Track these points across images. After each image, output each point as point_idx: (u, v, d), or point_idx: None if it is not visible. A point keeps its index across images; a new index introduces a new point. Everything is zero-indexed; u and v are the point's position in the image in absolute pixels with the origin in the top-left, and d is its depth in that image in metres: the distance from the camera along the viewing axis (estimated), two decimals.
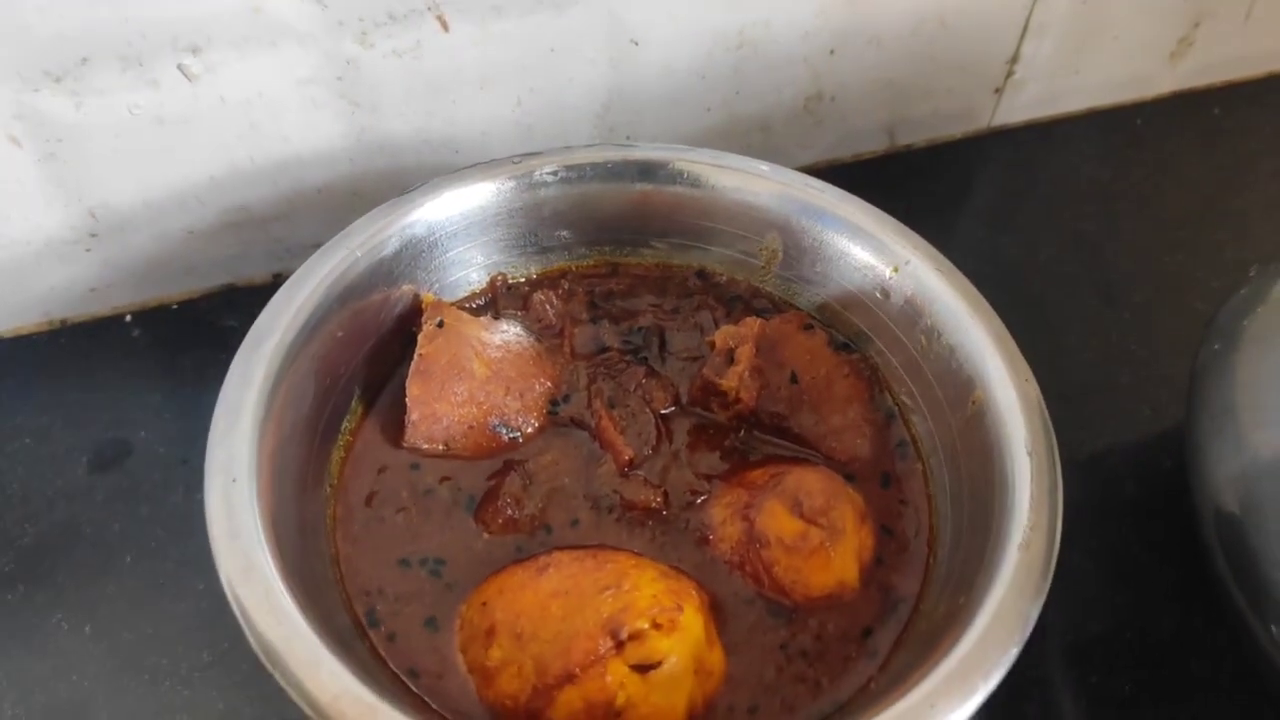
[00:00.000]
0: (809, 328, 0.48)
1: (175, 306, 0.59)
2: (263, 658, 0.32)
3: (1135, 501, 0.52)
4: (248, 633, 0.33)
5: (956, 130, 0.72)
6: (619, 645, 0.36)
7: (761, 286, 0.51)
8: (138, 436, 0.53)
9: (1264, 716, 0.45)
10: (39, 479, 0.51)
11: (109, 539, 0.49)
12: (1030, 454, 0.38)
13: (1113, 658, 0.47)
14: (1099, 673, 0.46)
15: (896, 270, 0.46)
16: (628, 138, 0.61)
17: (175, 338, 0.58)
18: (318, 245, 0.45)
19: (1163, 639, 0.47)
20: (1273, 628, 0.40)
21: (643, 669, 0.36)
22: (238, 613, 0.33)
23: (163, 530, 0.49)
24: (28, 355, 0.57)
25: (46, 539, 0.49)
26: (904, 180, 0.69)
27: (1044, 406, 0.40)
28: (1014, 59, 0.68)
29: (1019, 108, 0.72)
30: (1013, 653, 0.33)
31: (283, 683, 0.32)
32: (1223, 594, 0.43)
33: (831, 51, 0.63)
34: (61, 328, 0.58)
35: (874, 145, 0.70)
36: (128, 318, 0.58)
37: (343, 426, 0.44)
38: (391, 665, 0.38)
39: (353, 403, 0.45)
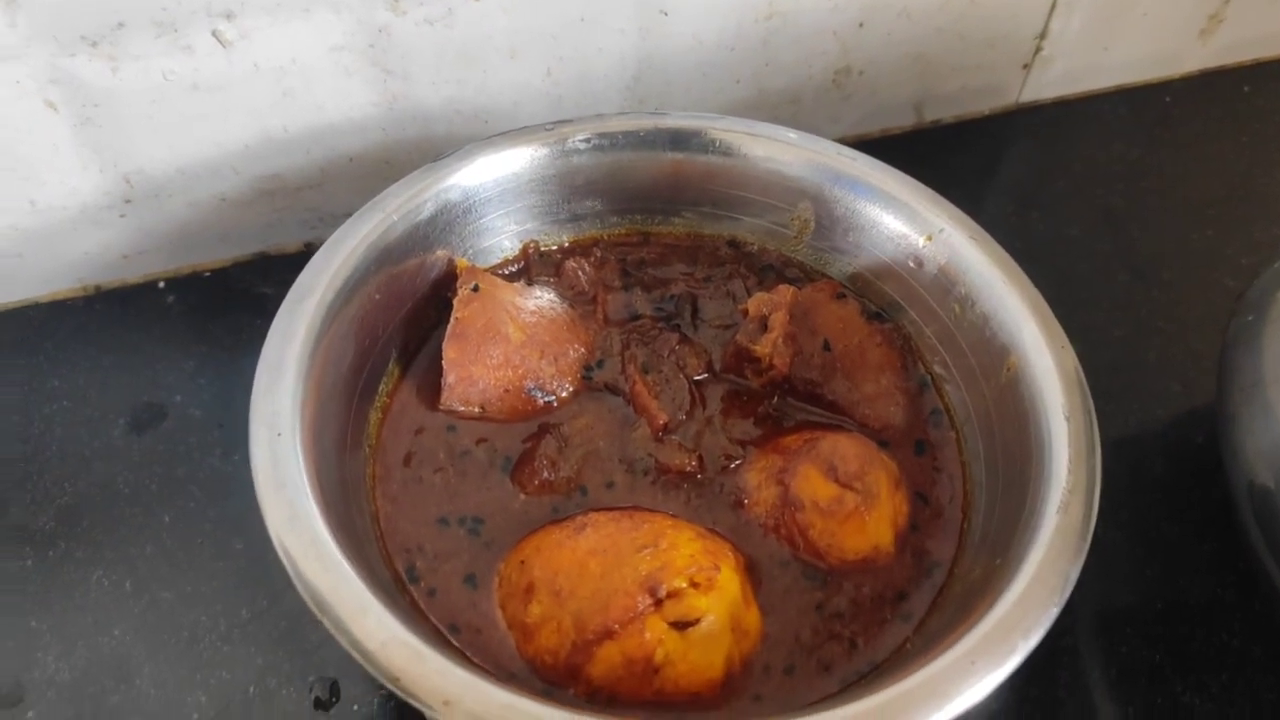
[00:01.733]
0: (841, 296, 0.48)
1: (208, 274, 0.60)
2: (311, 605, 0.33)
3: (1165, 476, 0.52)
4: (295, 580, 0.33)
5: (984, 106, 0.72)
6: (658, 603, 0.36)
7: (793, 256, 0.51)
8: (173, 401, 0.54)
9: None
10: (76, 440, 0.52)
11: (147, 499, 0.50)
12: (1068, 418, 0.38)
13: (1143, 628, 0.47)
14: (1129, 643, 0.46)
15: (930, 239, 0.46)
16: (656, 109, 0.61)
17: (208, 304, 0.58)
18: (350, 214, 0.45)
19: (1193, 611, 0.47)
20: None
21: (681, 626, 0.36)
22: (285, 561, 0.34)
23: (200, 491, 0.50)
24: (64, 320, 0.57)
25: (85, 498, 0.50)
26: (932, 156, 0.69)
27: (1081, 372, 0.40)
28: (1042, 35, 0.68)
29: (1047, 84, 0.72)
30: (1053, 612, 0.33)
31: (331, 629, 0.32)
32: (1256, 566, 0.43)
33: (860, 25, 0.62)
34: (96, 294, 0.58)
35: (902, 121, 0.70)
36: (161, 284, 0.59)
37: (380, 389, 0.45)
38: (433, 620, 0.38)
39: (390, 365, 0.45)
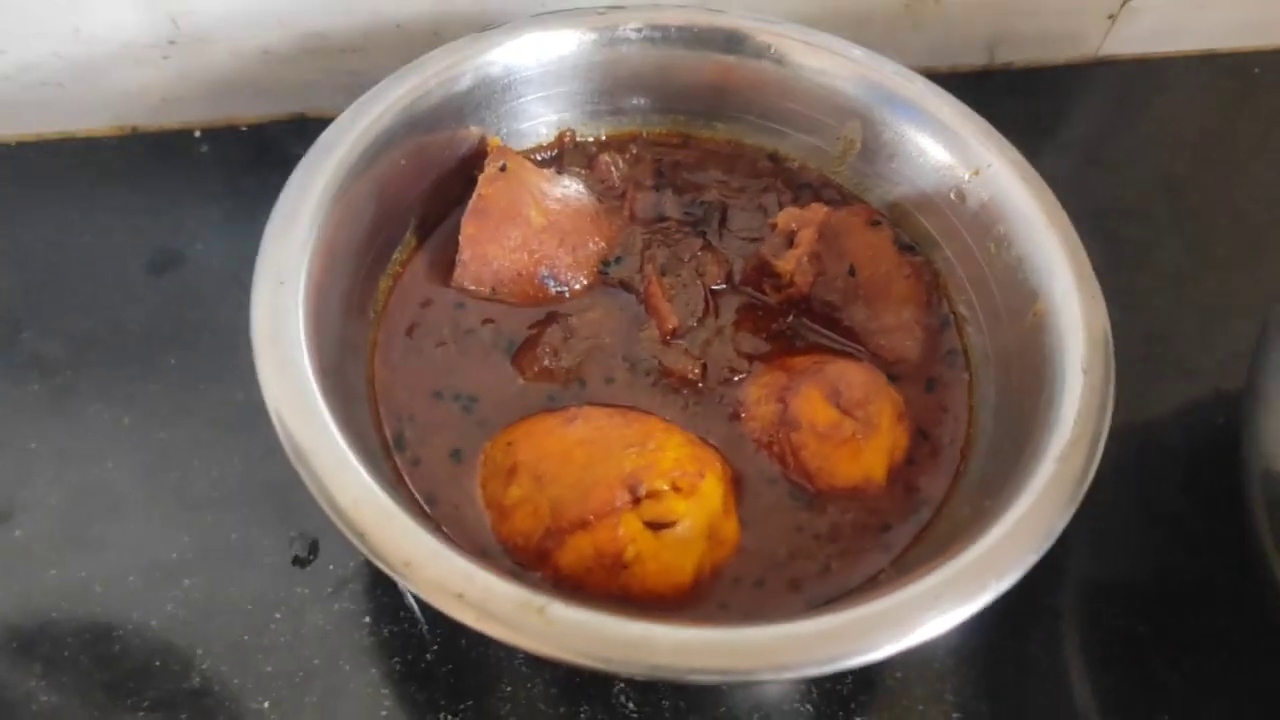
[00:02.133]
0: (875, 224, 0.46)
1: (244, 129, 0.59)
2: (290, 453, 0.33)
3: (1180, 452, 0.51)
4: (278, 427, 0.33)
5: (1061, 55, 0.68)
6: (636, 500, 0.36)
7: (833, 177, 0.49)
8: (194, 248, 0.54)
9: (1273, 682, 0.44)
10: (96, 275, 0.52)
11: (156, 340, 0.50)
12: (1085, 371, 0.37)
13: (1132, 598, 0.46)
14: (1115, 611, 0.46)
15: (977, 173, 0.44)
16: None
17: (241, 158, 0.58)
18: None
19: (1185, 589, 0.46)
20: None
21: (656, 527, 0.36)
22: (270, 406, 0.34)
23: (210, 338, 0.50)
24: (97, 157, 0.57)
25: (97, 332, 0.50)
26: (998, 100, 0.66)
27: (1109, 329, 0.39)
28: None
29: (1132, 39, 0.68)
30: (1030, 559, 0.33)
31: (306, 479, 0.32)
32: (1256, 552, 0.42)
33: None
34: (132, 134, 0.58)
35: (972, 59, 0.67)
36: (197, 133, 0.59)
37: (394, 256, 0.44)
38: (413, 489, 0.39)
39: (407, 234, 0.45)
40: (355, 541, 0.31)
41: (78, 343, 0.50)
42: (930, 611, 0.31)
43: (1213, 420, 0.52)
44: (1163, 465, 0.51)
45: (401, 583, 0.31)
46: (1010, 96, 0.67)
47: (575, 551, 0.36)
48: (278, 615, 0.43)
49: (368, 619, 0.43)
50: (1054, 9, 0.65)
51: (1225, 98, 0.68)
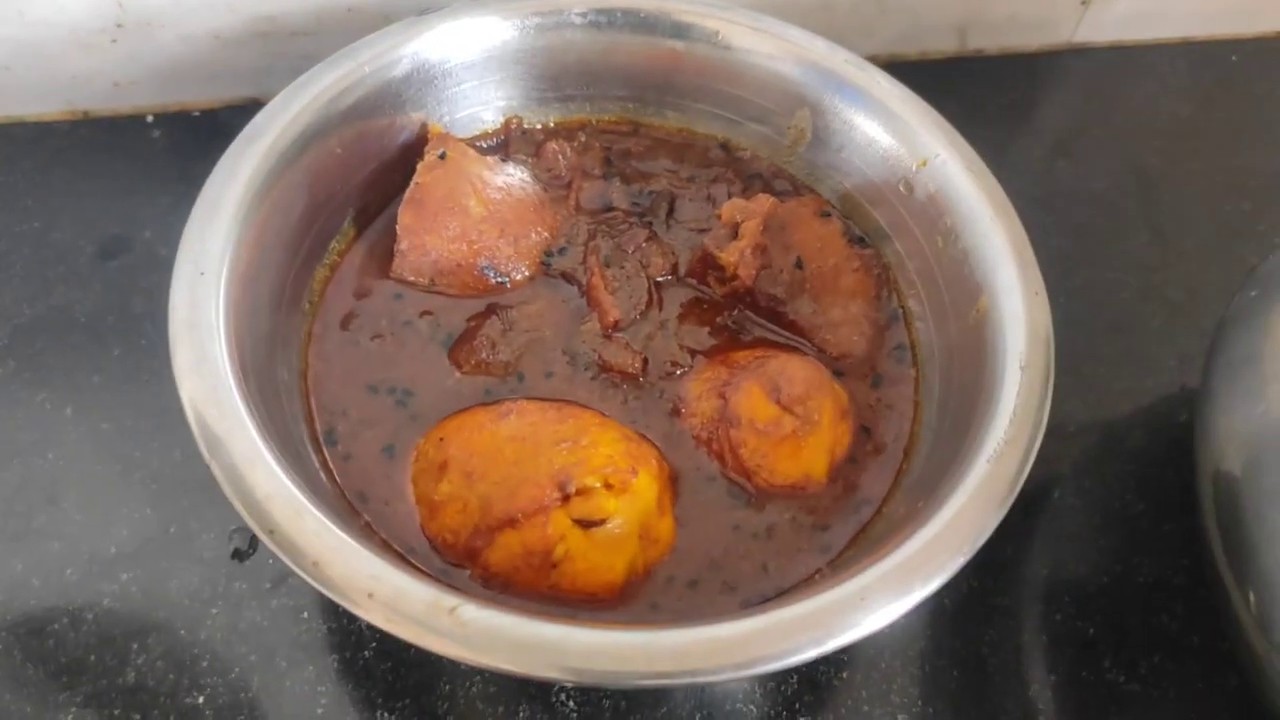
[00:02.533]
0: (825, 215, 0.45)
1: (197, 113, 0.58)
2: (202, 448, 0.32)
3: (1141, 449, 0.50)
4: (191, 420, 0.33)
5: (1034, 41, 0.67)
6: (565, 498, 0.35)
7: (785, 167, 0.48)
8: (142, 235, 0.53)
9: (1227, 679, 0.43)
10: (42, 263, 0.51)
11: (101, 330, 0.49)
12: (1024, 368, 0.36)
13: (1084, 600, 0.45)
14: (1066, 612, 0.45)
15: (924, 164, 0.43)
16: None
17: (193, 143, 0.57)
18: None
19: (1139, 589, 0.46)
20: (1250, 594, 0.38)
21: (586, 525, 0.36)
22: (185, 400, 0.33)
23: (152, 328, 0.49)
24: (48, 142, 0.56)
25: (42, 321, 0.49)
26: (968, 87, 0.65)
27: (1050, 323, 0.38)
28: None
29: (1106, 25, 0.67)
30: (959, 560, 0.32)
31: (217, 474, 0.32)
32: (1207, 553, 0.41)
33: None
34: (84, 119, 0.57)
35: (942, 45, 0.66)
36: (149, 118, 0.58)
37: (331, 246, 0.44)
38: (342, 485, 0.38)
39: (345, 224, 0.44)
40: (263, 537, 0.31)
41: (23, 331, 0.49)
42: (854, 614, 0.30)
43: (1175, 418, 0.52)
44: (1122, 464, 0.50)
45: (310, 581, 0.30)
46: (981, 84, 0.66)
47: (504, 549, 0.36)
48: (214, 610, 0.42)
49: (305, 615, 0.42)
50: None
51: (1201, 87, 0.67)
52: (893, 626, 0.41)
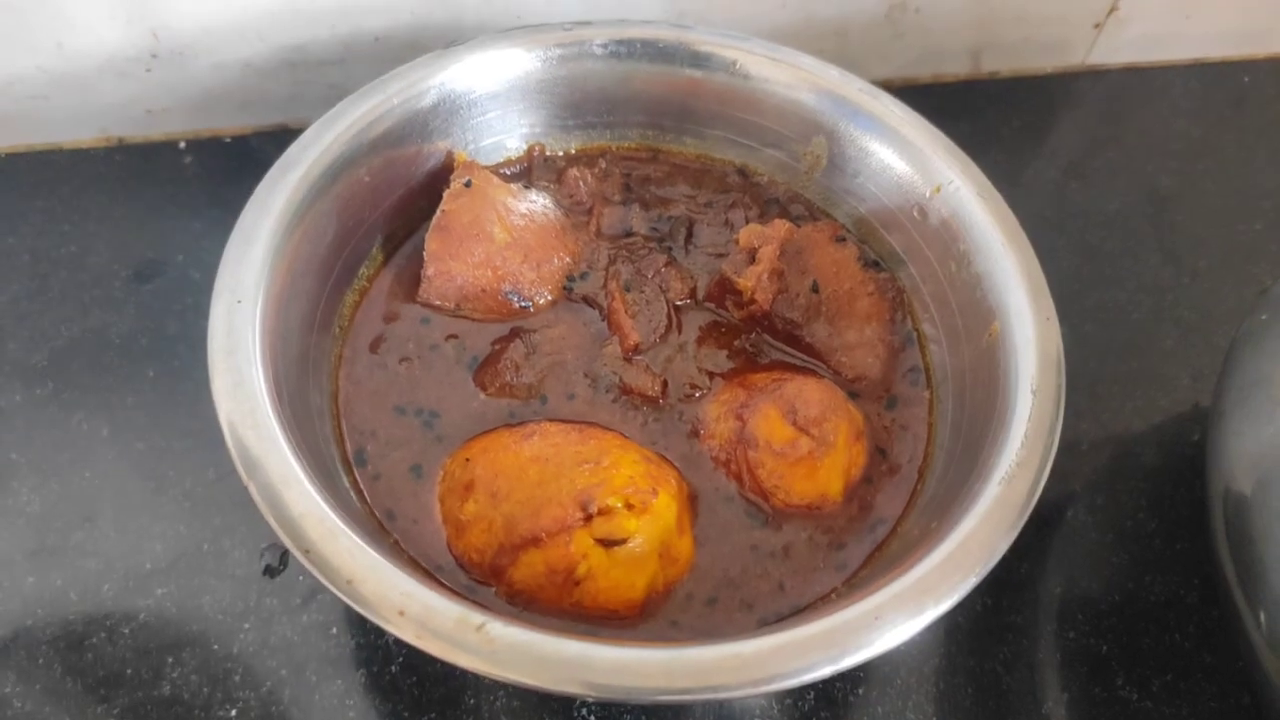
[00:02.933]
0: (841, 240, 0.46)
1: (228, 140, 0.60)
2: (240, 468, 0.33)
3: (1153, 468, 0.51)
4: (229, 442, 0.34)
5: (1047, 63, 0.68)
6: (588, 517, 0.36)
7: (801, 192, 0.49)
8: (175, 260, 0.54)
9: (1240, 698, 0.44)
10: (79, 286, 0.53)
11: (136, 351, 0.51)
12: (1034, 391, 0.37)
13: (1097, 618, 0.46)
14: (1079, 630, 0.45)
15: (938, 190, 0.44)
16: (696, 22, 0.59)
17: (224, 169, 0.59)
18: None
19: (1151, 608, 0.46)
20: (1261, 614, 0.39)
21: (608, 544, 0.37)
22: (223, 422, 0.34)
23: (186, 350, 0.51)
24: (84, 168, 0.58)
25: (79, 342, 0.51)
26: (982, 109, 0.66)
27: (1060, 347, 0.39)
28: None
29: (1119, 48, 0.68)
30: (971, 581, 0.33)
31: (254, 495, 0.33)
32: (1218, 572, 0.42)
33: None
34: (118, 145, 0.59)
35: (956, 68, 0.67)
36: (181, 144, 0.59)
37: (361, 271, 0.45)
38: (371, 504, 0.39)
39: (374, 250, 0.45)
40: (299, 556, 0.32)
41: (61, 353, 0.51)
42: (869, 634, 0.31)
43: (1188, 437, 0.52)
44: (1135, 482, 0.50)
45: (344, 598, 0.31)
46: (995, 106, 0.67)
47: (528, 567, 0.37)
48: (247, 625, 0.43)
49: (334, 630, 0.43)
50: (1038, 18, 0.65)
51: (1213, 108, 0.68)
52: (908, 644, 0.42)
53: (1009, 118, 0.66)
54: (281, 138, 0.60)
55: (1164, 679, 0.44)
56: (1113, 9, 0.65)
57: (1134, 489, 0.50)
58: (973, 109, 0.66)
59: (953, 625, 0.45)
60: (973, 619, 0.45)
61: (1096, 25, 0.66)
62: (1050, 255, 0.58)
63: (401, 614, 0.31)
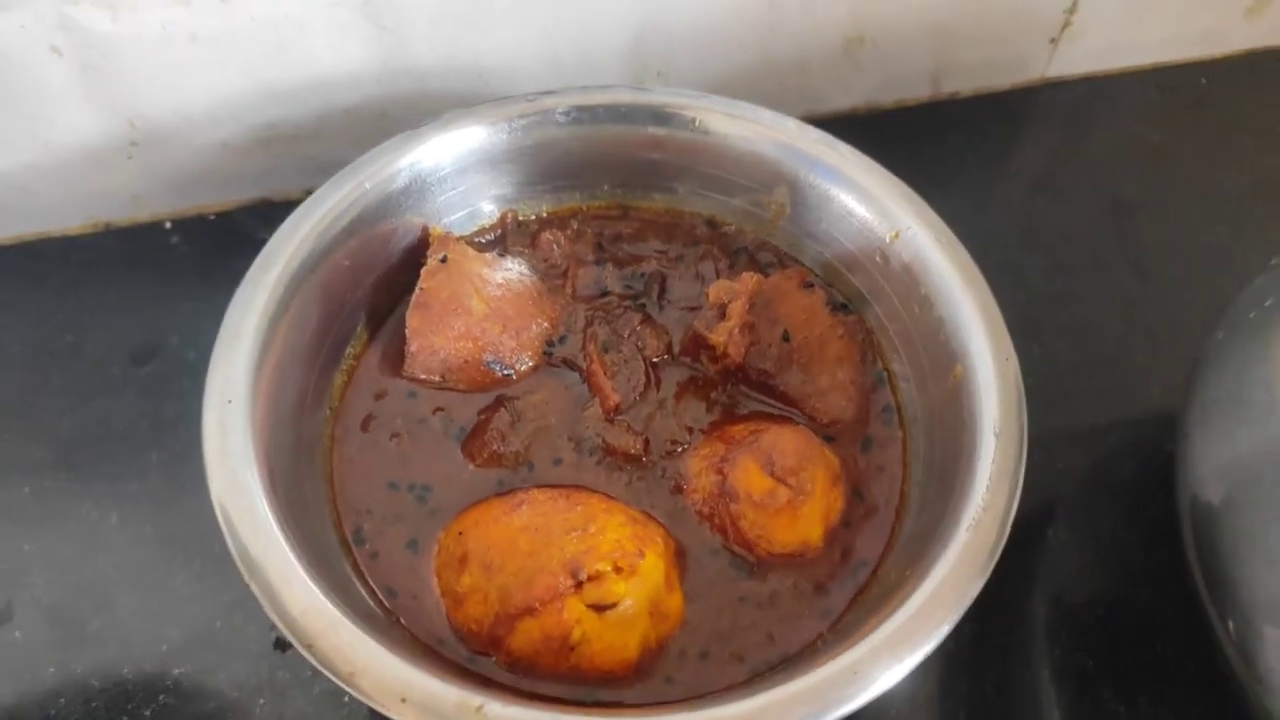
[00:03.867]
0: (809, 286, 0.48)
1: (212, 217, 0.61)
2: (242, 569, 0.35)
3: (1129, 481, 0.52)
4: (230, 545, 0.36)
5: (1006, 80, 0.69)
6: (578, 584, 0.38)
7: (769, 239, 0.51)
8: (170, 341, 0.56)
9: (1222, 706, 0.45)
10: (77, 376, 0.54)
11: (138, 437, 0.52)
12: (997, 434, 0.38)
13: (1081, 633, 0.47)
14: (1064, 646, 0.47)
15: (896, 235, 0.45)
16: (658, 74, 0.61)
17: (211, 247, 0.60)
18: (346, 163, 0.47)
19: (1133, 620, 0.48)
20: (1230, 623, 0.40)
21: (599, 608, 0.38)
22: (223, 526, 0.36)
23: (187, 431, 0.52)
24: (73, 255, 0.60)
25: (82, 432, 0.53)
26: (946, 130, 0.68)
27: (1021, 388, 0.40)
28: (1072, 8, 0.65)
29: (1076, 59, 0.69)
30: (945, 628, 0.34)
31: (257, 593, 0.34)
32: (1190, 584, 0.43)
33: None
34: (106, 230, 0.61)
35: (918, 92, 0.68)
36: (168, 224, 0.61)
37: (347, 351, 0.46)
38: (371, 582, 0.41)
39: (359, 328, 0.47)
40: (303, 651, 0.33)
41: (65, 444, 0.52)
42: (850, 688, 0.33)
43: (1162, 447, 0.53)
44: (1112, 496, 0.52)
45: (346, 689, 0.33)
46: (959, 126, 0.68)
47: (525, 636, 0.38)
48: (262, 700, 0.45)
49: (346, 699, 0.45)
50: (994, 37, 0.66)
51: (1173, 111, 0.69)
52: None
53: (973, 137, 0.67)
54: (263, 211, 0.62)
55: (1149, 689, 0.46)
56: (1066, 23, 0.66)
57: (1112, 503, 0.52)
58: (937, 131, 0.67)
59: (943, 652, 0.46)
60: (962, 644, 0.47)
61: (1052, 40, 0.67)
62: (1020, 274, 0.60)
63: (403, 701, 0.32)
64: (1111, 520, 0.51)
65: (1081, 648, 0.47)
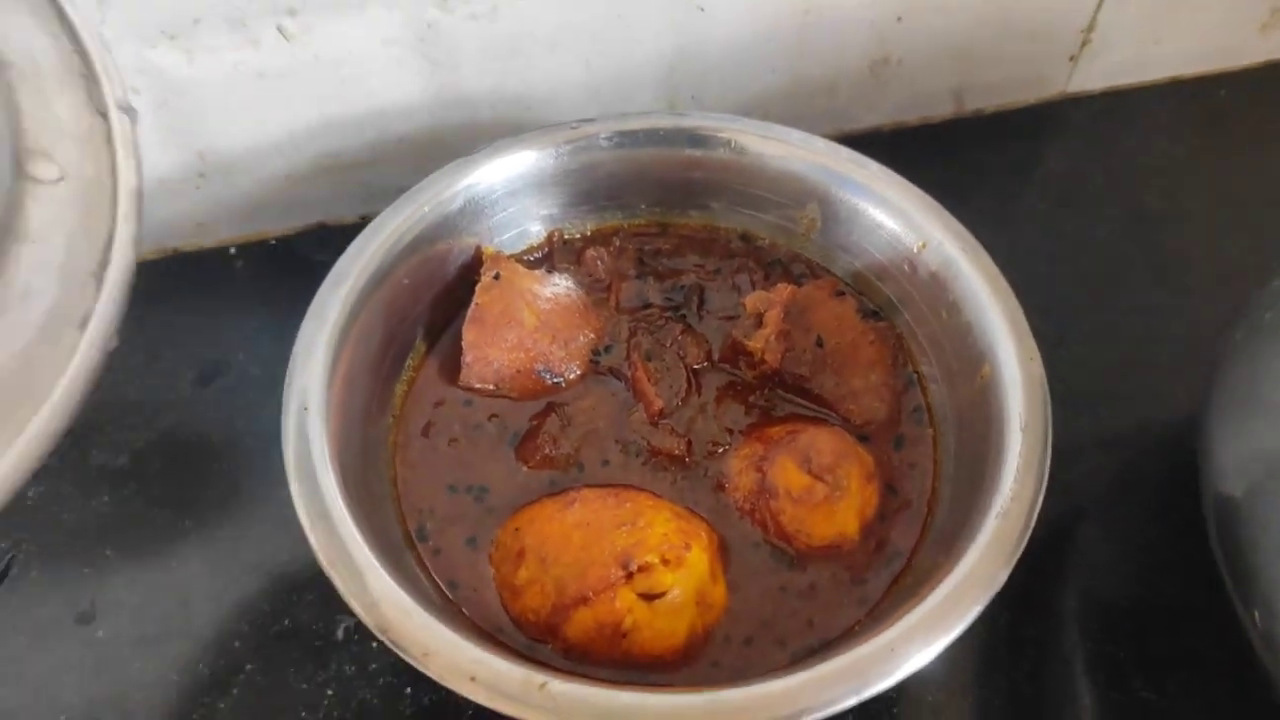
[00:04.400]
0: (840, 295, 0.50)
1: (274, 241, 0.65)
2: (322, 562, 0.38)
3: (1155, 479, 0.54)
4: (311, 539, 0.38)
5: (1029, 96, 0.72)
6: (629, 575, 0.41)
7: (801, 252, 0.53)
8: (236, 358, 0.59)
9: (1250, 694, 0.47)
10: (150, 391, 0.58)
11: (207, 448, 0.56)
12: (1024, 430, 0.40)
13: (1111, 625, 0.49)
14: (1095, 638, 0.49)
15: (924, 246, 0.48)
16: (692, 98, 0.64)
17: (273, 270, 0.64)
18: (401, 189, 0.50)
19: (1161, 612, 0.49)
20: (1256, 613, 0.42)
21: (649, 597, 0.41)
22: (304, 524, 0.39)
23: (253, 442, 0.56)
24: (145, 281, 0.62)
25: (155, 444, 0.56)
26: (970, 146, 0.70)
27: (1046, 386, 0.42)
28: (1089, 28, 0.68)
29: (1096, 75, 0.72)
30: (976, 610, 0.36)
31: (337, 584, 0.37)
32: (1215, 575, 0.45)
33: (899, 19, 0.64)
34: (174, 256, 0.64)
35: (941, 110, 0.71)
36: (232, 250, 0.65)
37: (407, 363, 0.50)
38: (435, 576, 0.44)
39: (417, 342, 0.50)
40: (380, 635, 0.36)
41: (140, 455, 0.56)
42: (887, 665, 0.35)
43: (1186, 445, 0.55)
44: (1140, 494, 0.54)
45: (421, 669, 0.36)
46: (982, 142, 0.70)
47: (579, 624, 0.41)
48: (330, 691, 0.48)
49: (409, 690, 0.48)
50: (1015, 56, 0.69)
51: (1192, 124, 0.71)
52: (935, 666, 0.45)
53: (997, 152, 0.70)
54: (322, 235, 0.66)
55: (1179, 678, 0.47)
56: (1085, 41, 0.69)
57: (1139, 500, 0.53)
58: (961, 147, 0.70)
59: (978, 643, 0.49)
60: (995, 636, 0.49)
61: (1071, 58, 0.70)
62: (1045, 284, 0.62)
63: (473, 679, 0.35)
64: (1139, 517, 0.53)
65: (1111, 639, 0.49)
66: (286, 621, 0.50)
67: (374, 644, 0.49)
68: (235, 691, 0.48)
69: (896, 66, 0.67)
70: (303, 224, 0.65)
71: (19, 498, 0.52)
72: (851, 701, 0.35)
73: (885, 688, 0.35)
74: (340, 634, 0.49)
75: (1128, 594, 0.50)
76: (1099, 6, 0.66)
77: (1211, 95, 0.73)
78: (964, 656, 0.48)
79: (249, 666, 0.49)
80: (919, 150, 0.69)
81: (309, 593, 0.50)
